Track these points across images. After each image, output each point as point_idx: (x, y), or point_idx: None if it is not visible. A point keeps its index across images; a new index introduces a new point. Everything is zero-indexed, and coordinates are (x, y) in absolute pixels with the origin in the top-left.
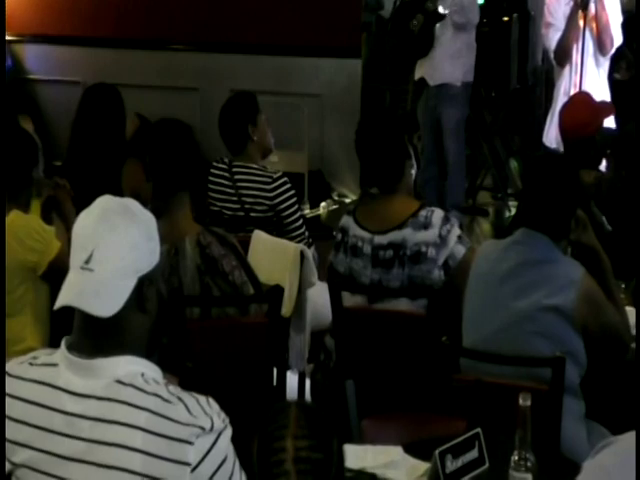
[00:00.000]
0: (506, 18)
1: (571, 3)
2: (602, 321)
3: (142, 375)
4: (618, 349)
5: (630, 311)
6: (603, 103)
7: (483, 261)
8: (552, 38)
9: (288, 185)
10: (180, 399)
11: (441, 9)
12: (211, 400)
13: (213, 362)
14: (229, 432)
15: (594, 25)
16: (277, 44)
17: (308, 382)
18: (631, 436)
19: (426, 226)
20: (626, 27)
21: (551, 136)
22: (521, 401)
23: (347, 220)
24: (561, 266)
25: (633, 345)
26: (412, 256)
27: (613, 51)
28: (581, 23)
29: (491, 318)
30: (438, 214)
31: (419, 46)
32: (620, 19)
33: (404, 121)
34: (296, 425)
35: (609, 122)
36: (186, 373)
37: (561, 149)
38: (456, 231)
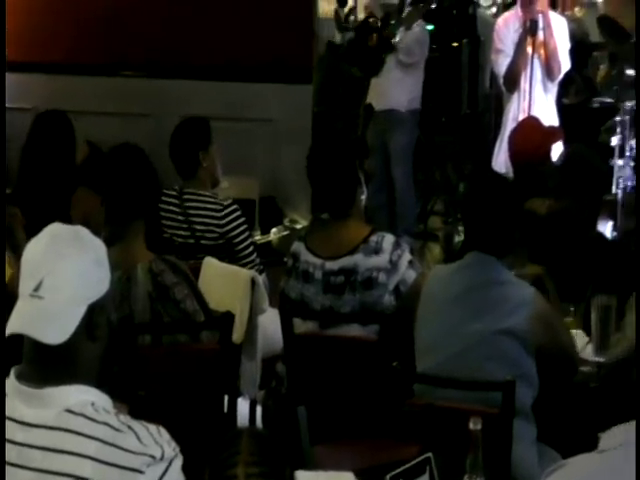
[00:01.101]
0: (456, 44)
1: (520, 29)
2: (557, 340)
3: (92, 404)
4: (569, 370)
5: (579, 333)
6: (552, 128)
7: (434, 286)
8: (501, 64)
9: (238, 212)
10: (130, 428)
11: (397, 40)
12: (161, 429)
13: (164, 389)
14: (180, 461)
15: (542, 51)
16: (229, 70)
17: (259, 409)
18: (581, 459)
19: (377, 251)
20: (575, 53)
21: (500, 161)
22: (472, 425)
23: (298, 246)
24: (512, 288)
25: (583, 368)
26: (363, 282)
27: (561, 77)
28: (529, 49)
29: (445, 343)
30: (389, 239)
31: (372, 63)
32: (568, 45)
33: (355, 146)
34: (247, 452)
35: (558, 147)
36: (137, 401)
37: (510, 174)
38: (407, 256)
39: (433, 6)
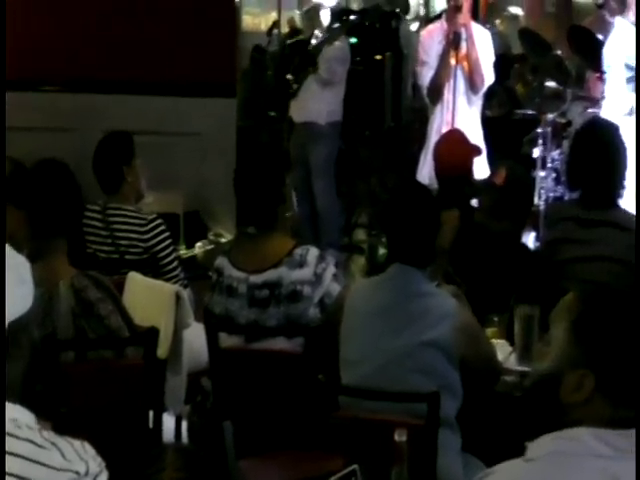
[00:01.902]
0: (379, 57)
1: (444, 42)
2: (480, 350)
3: (14, 421)
4: (492, 379)
5: (502, 343)
6: (473, 144)
7: (358, 299)
8: (425, 76)
9: (163, 227)
10: (54, 444)
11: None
12: (86, 444)
13: (89, 406)
14: (105, 476)
15: (465, 64)
16: (152, 83)
17: (185, 424)
18: (508, 466)
19: (301, 264)
20: (498, 65)
21: (424, 173)
22: (397, 437)
23: (222, 261)
24: (434, 299)
25: (507, 377)
26: (288, 295)
27: (484, 89)
28: (453, 62)
29: (369, 356)
30: (313, 252)
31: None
32: (491, 58)
33: (281, 160)
34: (173, 468)
35: (480, 161)
36: (61, 418)
37: (435, 186)
38: (331, 269)
39: (353, 17)
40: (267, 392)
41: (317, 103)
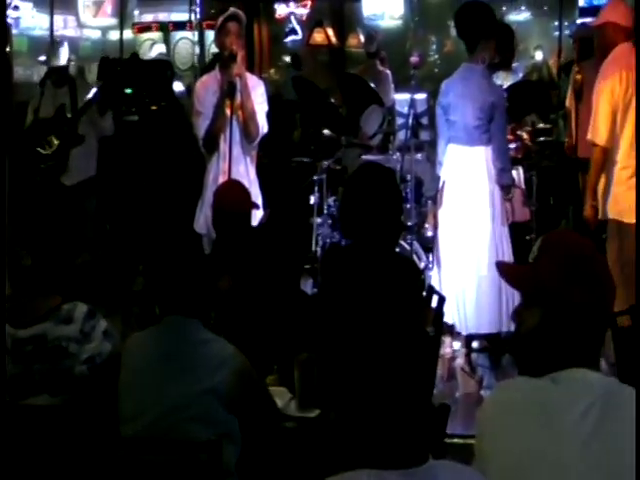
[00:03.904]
0: (154, 107)
1: (218, 92)
2: (259, 397)
3: None
4: (271, 426)
5: (282, 391)
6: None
7: (134, 352)
8: (201, 126)
9: None
10: None
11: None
12: None
13: None
14: None
15: (240, 113)
16: None
17: None
18: None
19: (68, 320)
20: (274, 114)
21: (201, 223)
22: None
23: None
24: (212, 346)
25: (287, 424)
26: (53, 351)
27: (260, 138)
28: (228, 112)
29: (149, 408)
30: (81, 309)
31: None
32: (266, 107)
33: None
34: None
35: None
36: None
37: (212, 235)
38: (102, 326)
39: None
40: (41, 449)
41: (86, 162)
